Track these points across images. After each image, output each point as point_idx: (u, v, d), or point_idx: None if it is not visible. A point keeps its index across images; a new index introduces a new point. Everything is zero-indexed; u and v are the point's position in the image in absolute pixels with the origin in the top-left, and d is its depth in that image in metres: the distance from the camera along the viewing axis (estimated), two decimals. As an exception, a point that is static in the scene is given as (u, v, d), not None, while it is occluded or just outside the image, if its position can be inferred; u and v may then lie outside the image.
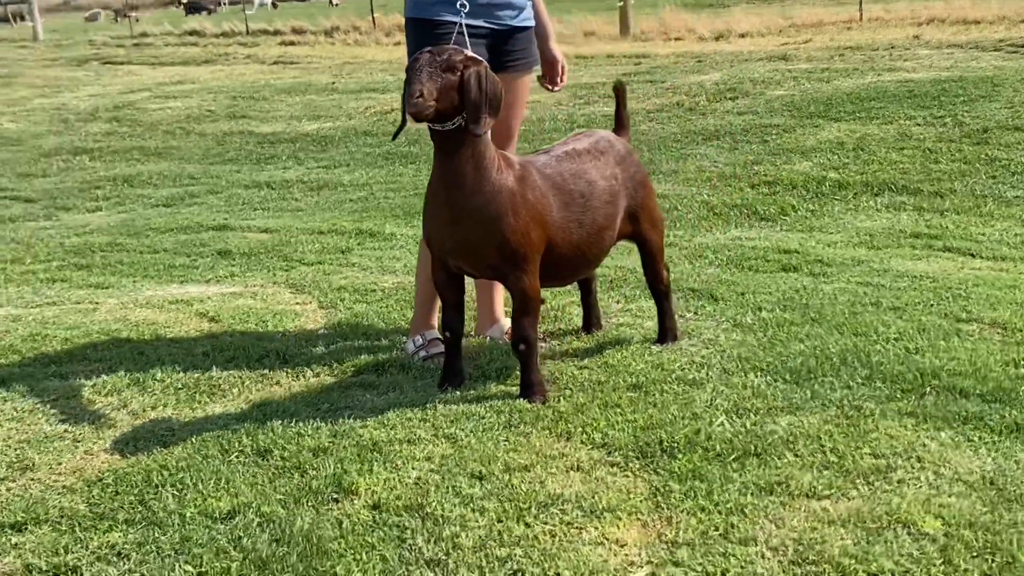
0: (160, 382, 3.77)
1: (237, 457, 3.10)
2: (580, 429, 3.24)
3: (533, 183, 3.49)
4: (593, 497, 2.81)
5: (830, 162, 7.67)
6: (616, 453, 3.09)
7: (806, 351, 3.83)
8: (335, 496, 2.85)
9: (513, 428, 3.27)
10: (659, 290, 4.02)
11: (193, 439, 3.23)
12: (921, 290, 4.64)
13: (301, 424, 3.30)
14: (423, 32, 3.86)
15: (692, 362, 3.80)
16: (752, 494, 2.79)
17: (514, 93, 4.05)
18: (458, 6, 3.73)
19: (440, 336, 4.03)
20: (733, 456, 3.01)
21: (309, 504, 2.82)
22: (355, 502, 2.82)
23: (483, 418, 3.34)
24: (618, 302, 4.62)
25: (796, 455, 3.02)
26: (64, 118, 12.90)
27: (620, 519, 2.71)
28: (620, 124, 4.01)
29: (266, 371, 3.87)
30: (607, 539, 2.62)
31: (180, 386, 3.73)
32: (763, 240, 5.75)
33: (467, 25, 3.86)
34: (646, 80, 11.94)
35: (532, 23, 4.09)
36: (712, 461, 2.99)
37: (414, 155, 9.20)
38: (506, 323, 4.20)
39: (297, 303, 4.83)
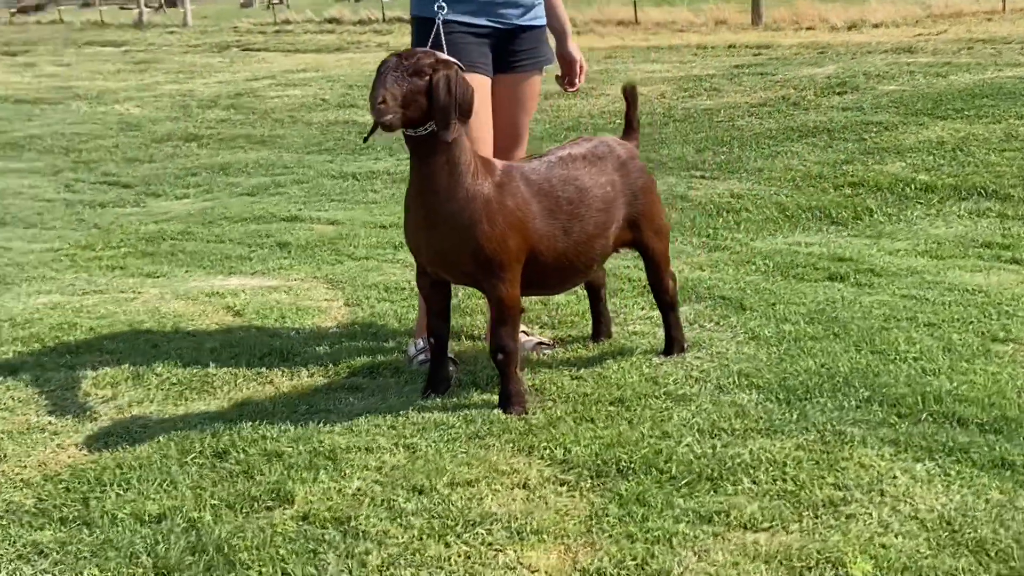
0: (158, 377, 3.82)
1: (193, 459, 3.11)
2: (544, 444, 3.15)
3: (514, 189, 3.40)
4: (526, 518, 2.73)
5: (923, 163, 7.32)
6: (571, 471, 2.99)
7: (812, 369, 3.66)
8: (269, 504, 2.83)
9: (478, 440, 3.20)
10: (664, 300, 3.90)
11: (160, 438, 3.26)
12: (966, 305, 4.39)
13: (268, 427, 3.30)
14: (423, 30, 3.80)
15: (688, 376, 3.67)
16: (688, 523, 2.67)
17: (521, 93, 3.97)
18: (435, 8, 3.66)
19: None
20: (686, 481, 2.89)
21: (242, 511, 2.81)
22: (286, 511, 2.80)
23: (451, 428, 3.28)
24: (643, 308, 4.50)
25: (754, 482, 2.88)
26: (185, 104, 13.25)
27: (544, 542, 2.63)
28: (629, 128, 3.89)
29: (263, 369, 3.89)
30: (521, 564, 2.54)
31: (175, 382, 3.78)
32: (821, 246, 5.53)
33: (469, 24, 3.80)
34: (757, 73, 11.64)
35: (542, 22, 4.00)
36: (663, 485, 2.88)
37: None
38: None
39: (326, 299, 4.85)
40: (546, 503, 2.82)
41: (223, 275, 5.45)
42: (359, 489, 2.90)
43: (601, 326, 4.09)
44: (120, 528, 2.72)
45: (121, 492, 2.91)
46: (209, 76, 16.51)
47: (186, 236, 6.51)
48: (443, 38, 3.63)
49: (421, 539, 2.64)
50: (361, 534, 2.66)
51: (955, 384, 3.49)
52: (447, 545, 2.61)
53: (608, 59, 14.43)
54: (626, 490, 2.84)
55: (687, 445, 3.09)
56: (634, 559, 2.52)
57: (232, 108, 12.75)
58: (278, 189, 8.09)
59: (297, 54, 19.67)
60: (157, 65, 18.93)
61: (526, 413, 3.40)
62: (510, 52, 3.92)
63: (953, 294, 4.57)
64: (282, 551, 2.59)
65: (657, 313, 4.36)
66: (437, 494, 2.86)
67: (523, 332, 4.10)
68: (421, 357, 3.93)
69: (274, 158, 9.51)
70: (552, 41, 4.15)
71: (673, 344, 3.91)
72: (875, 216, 6.26)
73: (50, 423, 3.46)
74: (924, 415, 3.27)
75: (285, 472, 2.99)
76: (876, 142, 8.04)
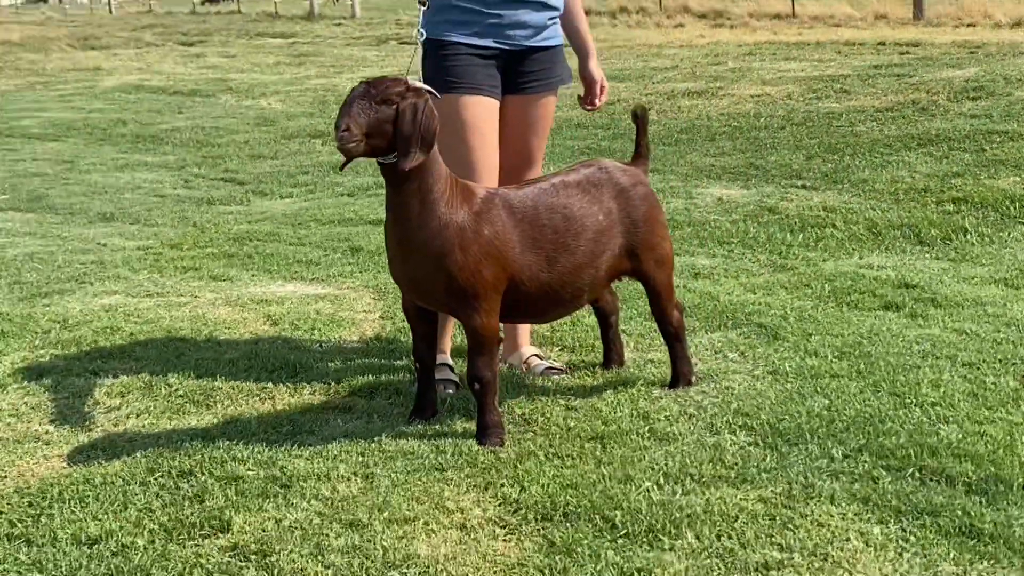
0: (168, 388, 3.90)
1: (157, 478, 3.16)
2: (503, 481, 3.09)
3: (493, 218, 3.34)
4: (447, 563, 2.68)
5: (1039, 179, 6.91)
6: (518, 513, 2.92)
7: (815, 410, 3.49)
8: (205, 532, 2.86)
9: (438, 473, 3.16)
10: (668, 331, 3.77)
11: (137, 454, 3.32)
12: (1018, 344, 4.11)
13: (242, 447, 3.33)
14: (432, 53, 3.78)
15: (683, 413, 3.54)
16: (606, 579, 2.58)
17: (532, 115, 3.90)
18: (416, 33, 3.62)
19: (449, 364, 3.96)
20: (626, 532, 2.78)
21: (177, 538, 2.83)
22: (218, 540, 2.81)
23: (417, 458, 3.25)
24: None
25: (696, 537, 2.75)
26: (324, 100, 13.53)
27: None
28: (638, 153, 3.77)
29: (269, 384, 3.93)
30: None
31: (181, 394, 3.84)
32: (892, 270, 5.26)
33: (474, 46, 3.75)
34: (894, 74, 11.17)
35: (556, 42, 3.92)
36: (601, 534, 2.78)
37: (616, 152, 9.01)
38: (527, 351, 4.07)
39: (364, 310, 4.87)
40: (477, 547, 2.76)
41: (283, 280, 5.53)
42: (296, 521, 2.89)
43: (612, 353, 3.99)
44: (54, 549, 2.78)
45: (74, 511, 2.98)
46: (358, 71, 16.80)
47: (271, 238, 6.63)
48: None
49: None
50: (278, 571, 2.66)
51: (963, 436, 3.27)
52: (356, 588, 2.59)
53: (747, 56, 14.09)
54: (560, 537, 2.76)
55: (645, 491, 2.98)
56: (533, 615, 2.44)
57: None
58: (378, 190, 8.14)
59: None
60: (315, 59, 19.39)
61: (501, 445, 3.34)
62: (520, 73, 3.85)
63: (1009, 330, 4.29)
64: (198, 581, 2.62)
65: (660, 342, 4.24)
66: (371, 531, 2.83)
67: (536, 356, 4.04)
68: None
69: (388, 157, 9.57)
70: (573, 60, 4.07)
71: (679, 377, 3.78)
72: (967, 237, 5.94)
73: (47, 432, 3.57)
74: (912, 470, 3.07)
75: (235, 498, 3.01)
76: (995, 154, 7.63)
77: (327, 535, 2.81)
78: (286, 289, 5.32)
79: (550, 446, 3.32)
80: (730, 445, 3.27)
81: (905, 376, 3.78)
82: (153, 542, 2.80)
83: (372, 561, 2.68)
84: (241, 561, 2.71)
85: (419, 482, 3.10)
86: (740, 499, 2.93)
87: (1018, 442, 3.23)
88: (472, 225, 3.29)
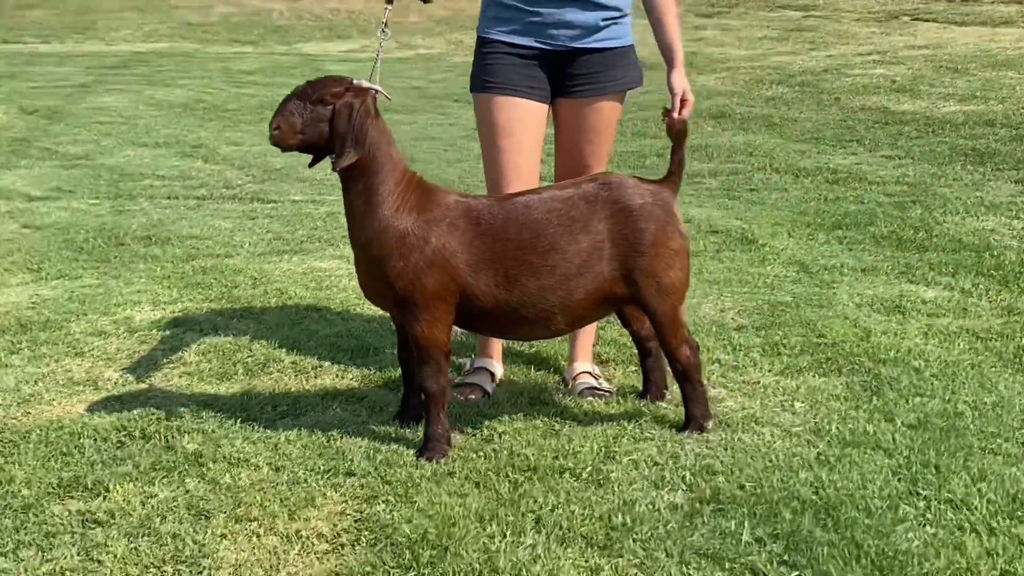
0: (236, 352, 4.12)
1: (121, 436, 3.38)
2: (384, 500, 2.99)
3: (449, 226, 3.20)
4: (235, 568, 2.67)
5: None
6: (362, 535, 2.82)
7: (804, 495, 2.99)
8: (88, 493, 3.03)
9: (339, 478, 3.11)
10: (676, 369, 3.40)
11: (128, 412, 3.56)
12: None
13: (218, 420, 3.48)
14: (477, 50, 3.67)
15: (654, 464, 3.19)
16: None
17: (581, 121, 3.64)
18: (379, 32, 3.46)
19: (489, 370, 3.84)
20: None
21: (65, 495, 3.02)
22: (90, 503, 2.97)
23: (343, 460, 3.21)
24: (742, 367, 3.92)
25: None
26: (760, 79, 13.12)
27: None
28: (670, 170, 3.40)
29: (315, 360, 4.05)
30: None
31: (237, 360, 4.05)
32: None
33: (513, 44, 3.58)
34: None
35: (617, 44, 3.63)
36: None
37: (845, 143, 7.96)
38: (579, 367, 3.84)
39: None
40: (278, 560, 2.72)
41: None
42: (162, 499, 3.00)
43: (651, 384, 3.65)
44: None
45: (23, 456, 3.28)
46: (844, 47, 15.92)
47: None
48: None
49: (125, 563, 2.70)
50: (97, 545, 2.77)
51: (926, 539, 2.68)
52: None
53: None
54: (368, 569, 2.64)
55: (495, 550, 2.73)
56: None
57: (800, 87, 12.37)
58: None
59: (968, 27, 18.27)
60: (806, 34, 18.76)
61: (440, 459, 3.22)
62: (568, 76, 3.61)
63: None
64: (32, 533, 2.83)
65: (755, 378, 3.81)
66: (208, 523, 2.87)
67: (587, 373, 3.82)
68: (458, 379, 3.83)
69: (752, 145, 9.10)
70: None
71: (690, 421, 3.40)
72: None
73: (100, 377, 3.92)
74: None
75: (146, 467, 3.17)
76: None
77: (168, 519, 2.89)
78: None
79: (467, 474, 3.13)
80: (663, 514, 2.90)
81: (956, 461, 3.12)
82: (41, 496, 3.02)
83: (172, 554, 2.72)
84: (85, 526, 2.86)
85: (307, 485, 3.07)
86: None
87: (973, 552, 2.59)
88: (418, 232, 3.17)
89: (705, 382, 3.51)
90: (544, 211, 3.25)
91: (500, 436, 3.39)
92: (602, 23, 3.57)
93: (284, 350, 4.16)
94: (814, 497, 2.95)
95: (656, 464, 3.18)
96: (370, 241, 3.19)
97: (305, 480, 3.11)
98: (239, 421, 3.49)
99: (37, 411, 3.65)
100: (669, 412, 3.56)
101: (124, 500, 3.00)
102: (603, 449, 3.27)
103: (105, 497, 3.02)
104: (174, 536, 2.82)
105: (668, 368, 3.51)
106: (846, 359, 3.98)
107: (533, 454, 3.24)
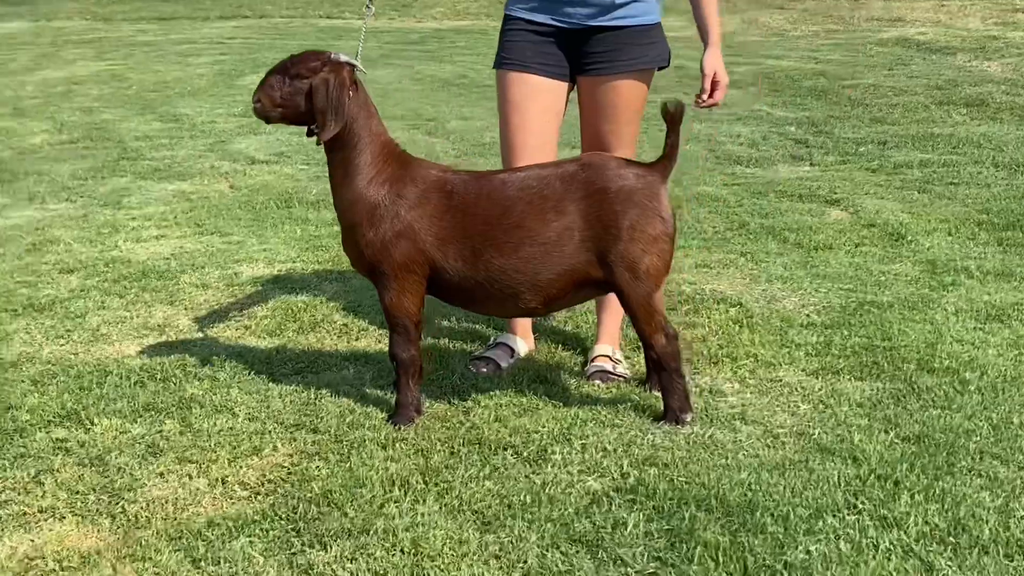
0: (301, 312, 4.32)
1: (135, 382, 3.64)
2: (320, 463, 3.08)
3: (420, 199, 3.25)
4: (116, 499, 2.87)
5: None
6: (271, 496, 2.93)
7: (720, 492, 2.87)
8: (69, 422, 3.33)
9: (303, 434, 3.25)
10: (651, 358, 3.31)
11: (164, 357, 3.84)
12: None
13: (235, 372, 3.70)
14: (501, 27, 3.67)
15: (603, 449, 3.13)
16: None
17: (599, 99, 3.57)
18: (364, 9, 3.48)
19: (509, 346, 3.86)
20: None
21: (46, 423, 3.33)
22: (65, 432, 3.26)
23: (315, 420, 3.34)
24: (764, 363, 3.71)
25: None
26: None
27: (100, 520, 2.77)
28: (664, 154, 3.28)
29: (365, 324, 4.20)
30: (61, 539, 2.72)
31: (297, 319, 4.24)
32: None
33: (529, 21, 3.57)
34: None
35: (638, 22, 3.54)
36: (241, 530, 2.75)
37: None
38: (599, 349, 3.79)
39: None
40: (191, 500, 2.89)
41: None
42: (132, 436, 3.24)
43: (652, 376, 3.54)
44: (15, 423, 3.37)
45: (49, 387, 3.61)
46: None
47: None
48: (360, 43, 3.48)
49: (62, 487, 2.95)
50: (50, 470, 3.04)
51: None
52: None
53: None
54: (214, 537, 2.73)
55: (378, 513, 2.78)
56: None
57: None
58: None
59: None
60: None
61: (409, 424, 3.31)
62: (584, 54, 3.55)
63: None
64: (6, 455, 3.15)
65: (779, 376, 3.65)
66: (155, 461, 3.09)
67: (604, 356, 3.76)
68: (479, 352, 3.87)
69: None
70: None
71: (667, 412, 3.30)
72: None
73: (176, 325, 4.24)
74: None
75: (139, 406, 3.43)
76: None
77: (121, 452, 3.14)
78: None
79: (425, 440, 3.20)
80: (575, 495, 2.86)
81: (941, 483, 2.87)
82: (24, 421, 3.35)
83: (91, 492, 2.94)
84: (46, 454, 3.15)
85: (267, 435, 3.24)
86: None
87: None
88: (388, 203, 3.25)
89: (686, 373, 3.41)
90: (517, 189, 3.24)
91: (478, 410, 3.41)
92: (618, 1, 3.49)
93: (344, 313, 4.33)
94: (738, 500, 2.81)
95: (604, 450, 3.11)
96: (345, 210, 3.30)
97: (268, 432, 3.26)
98: (252, 373, 3.69)
99: (97, 349, 4.00)
100: (646, 401, 3.46)
101: (101, 433, 3.26)
102: (562, 431, 3.23)
103: (87, 430, 3.29)
104: (119, 469, 3.05)
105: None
106: (893, 364, 3.71)
107: (490, 429, 3.25)
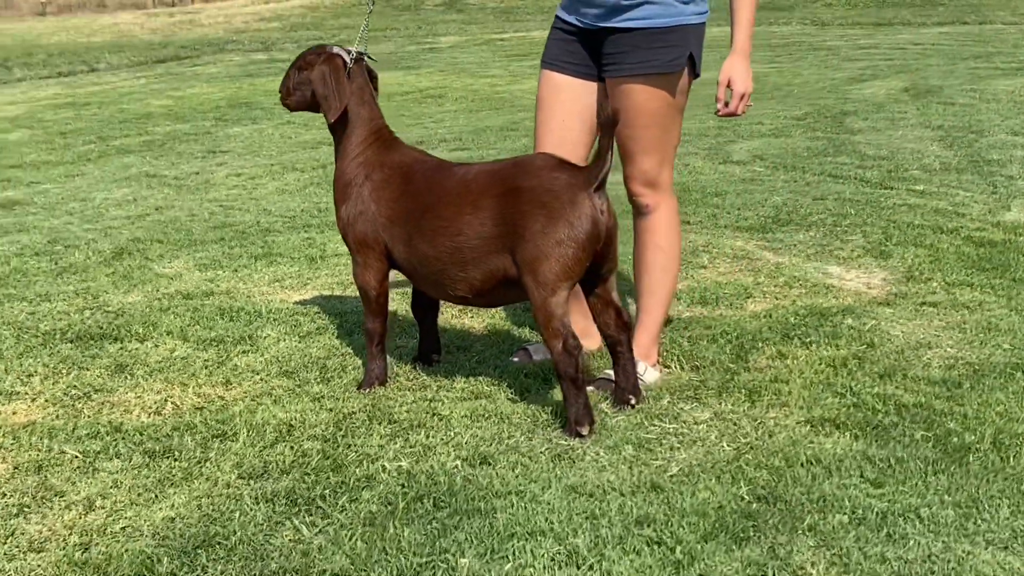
0: (340, 329, 4.22)
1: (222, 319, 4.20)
2: (247, 409, 3.40)
3: (384, 181, 3.50)
4: (86, 460, 3.11)
5: None
6: (176, 429, 3.25)
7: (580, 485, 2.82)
8: (114, 343, 3.89)
9: (270, 384, 3.61)
10: (555, 363, 3.22)
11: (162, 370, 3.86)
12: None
13: (291, 328, 4.13)
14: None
15: (518, 449, 3.12)
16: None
17: (614, 103, 3.48)
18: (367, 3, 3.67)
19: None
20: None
21: (106, 341, 3.91)
22: (98, 348, 3.82)
23: (295, 379, 3.67)
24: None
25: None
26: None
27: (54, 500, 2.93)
28: (593, 159, 3.21)
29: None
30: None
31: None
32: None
33: (562, 20, 3.65)
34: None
35: (650, 24, 3.45)
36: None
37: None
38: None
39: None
40: (116, 413, 3.38)
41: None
42: (141, 352, 3.85)
43: (618, 388, 3.42)
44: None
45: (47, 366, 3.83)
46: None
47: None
48: (360, 35, 3.71)
49: (37, 376, 3.57)
50: (81, 421, 3.36)
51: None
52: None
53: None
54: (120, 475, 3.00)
55: (253, 464, 3.03)
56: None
57: None
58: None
59: None
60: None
61: (370, 388, 3.55)
62: (599, 55, 3.57)
63: None
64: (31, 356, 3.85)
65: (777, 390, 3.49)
66: (130, 377, 3.66)
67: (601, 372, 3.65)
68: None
69: None
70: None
71: (567, 422, 3.23)
72: None
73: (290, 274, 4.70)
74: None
75: (192, 340, 4.00)
76: None
77: (120, 368, 3.72)
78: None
79: (375, 412, 3.37)
80: (441, 479, 2.93)
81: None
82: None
83: (64, 435, 3.26)
84: (74, 400, 3.54)
85: (237, 383, 3.62)
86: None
87: None
88: (358, 183, 3.52)
89: (586, 385, 3.28)
90: (455, 181, 3.36)
91: (458, 393, 3.53)
92: (624, 2, 3.45)
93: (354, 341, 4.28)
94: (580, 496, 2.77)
95: (500, 455, 3.10)
96: (334, 189, 3.64)
97: (244, 381, 3.66)
98: (298, 336, 4.07)
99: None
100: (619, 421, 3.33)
101: (124, 350, 3.91)
102: (499, 427, 3.27)
103: (123, 346, 3.93)
104: (99, 377, 3.68)
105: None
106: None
107: (441, 411, 3.37)
